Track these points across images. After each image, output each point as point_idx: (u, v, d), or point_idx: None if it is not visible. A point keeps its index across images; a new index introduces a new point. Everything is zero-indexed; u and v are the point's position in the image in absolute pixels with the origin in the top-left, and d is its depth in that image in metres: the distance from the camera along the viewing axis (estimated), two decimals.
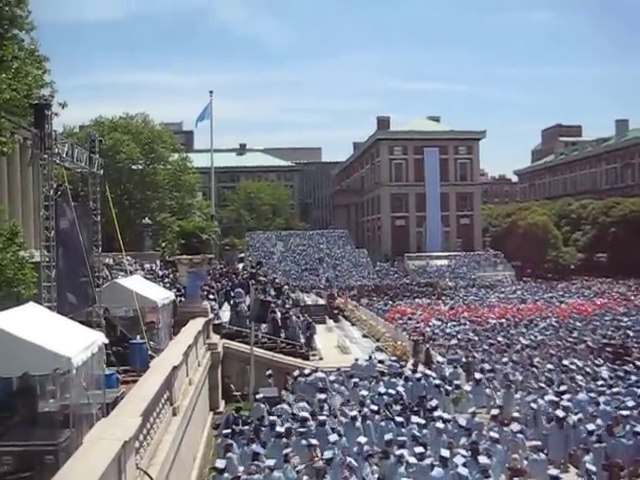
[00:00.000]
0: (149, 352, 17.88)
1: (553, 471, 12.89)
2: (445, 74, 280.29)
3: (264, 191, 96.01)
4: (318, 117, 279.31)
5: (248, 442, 14.79)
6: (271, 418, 16.63)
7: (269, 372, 22.50)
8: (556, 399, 18.18)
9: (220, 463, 13.33)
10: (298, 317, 30.31)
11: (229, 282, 36.85)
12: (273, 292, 35.33)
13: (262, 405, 18.66)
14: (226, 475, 13.05)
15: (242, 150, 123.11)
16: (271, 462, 13.01)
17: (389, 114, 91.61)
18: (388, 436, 14.79)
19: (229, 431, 15.73)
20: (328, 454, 13.30)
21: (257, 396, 19.34)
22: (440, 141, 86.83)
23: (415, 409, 17.98)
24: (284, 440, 14.74)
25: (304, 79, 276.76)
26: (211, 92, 51.57)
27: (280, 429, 15.20)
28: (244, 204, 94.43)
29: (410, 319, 40.75)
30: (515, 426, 16.14)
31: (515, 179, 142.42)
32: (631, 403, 17.47)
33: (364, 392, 19.15)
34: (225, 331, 26.83)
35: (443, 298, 55.30)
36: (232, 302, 30.14)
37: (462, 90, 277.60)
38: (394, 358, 26.63)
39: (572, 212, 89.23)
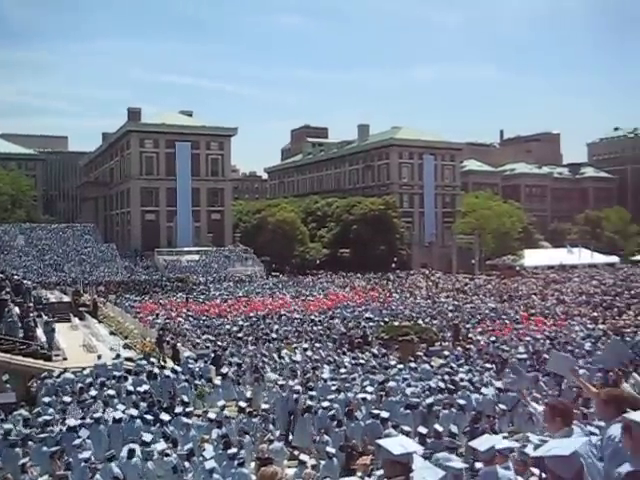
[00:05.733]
0: None
1: (303, 457, 13.40)
2: (198, 69, 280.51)
3: (2, 180, 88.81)
4: (64, 104, 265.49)
5: None
6: (5, 426, 15.39)
7: (5, 376, 20.87)
8: (302, 388, 18.92)
9: None
10: (39, 316, 28.53)
11: None
12: (11, 289, 32.86)
13: None
14: None
15: None
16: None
17: (140, 105, 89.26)
18: (136, 435, 14.40)
19: None
20: (69, 459, 12.66)
21: None
22: (192, 136, 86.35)
23: (164, 406, 17.71)
24: (20, 449, 13.74)
25: (49, 62, 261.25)
26: None
27: (14, 438, 14.12)
28: None
29: (159, 315, 40.20)
30: (265, 417, 16.55)
31: (265, 176, 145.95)
32: (370, 388, 18.68)
33: (111, 392, 18.47)
34: None
35: (194, 293, 55.25)
36: None
37: (215, 86, 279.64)
38: (142, 355, 26.04)
39: (318, 210, 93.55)
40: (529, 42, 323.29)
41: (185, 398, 17.89)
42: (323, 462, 13.46)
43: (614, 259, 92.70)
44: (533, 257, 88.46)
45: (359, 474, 10.42)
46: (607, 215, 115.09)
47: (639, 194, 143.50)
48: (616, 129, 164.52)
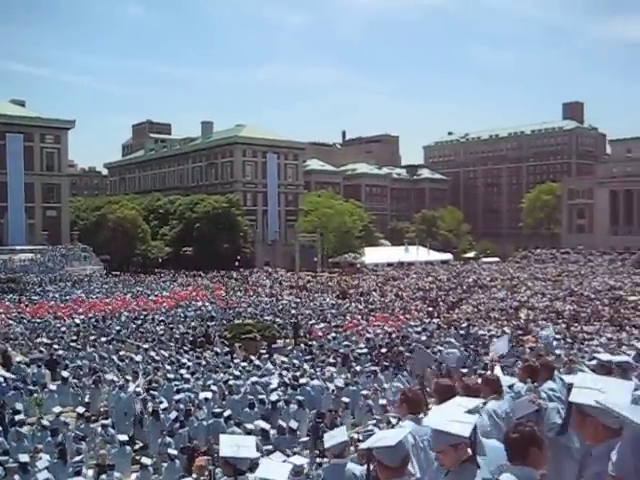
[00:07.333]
0: None
1: (145, 460, 13.15)
2: (32, 56, 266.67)
3: None
4: None
5: None
6: None
7: None
8: (143, 390, 18.48)
9: None
10: None
11: None
12: None
13: None
14: None
15: None
16: None
17: None
18: None
19: None
20: None
21: None
22: (25, 127, 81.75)
23: None
24: None
25: None
26: None
27: None
28: None
29: None
30: (104, 422, 16.01)
31: (105, 172, 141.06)
32: (213, 387, 18.56)
33: None
34: None
35: (28, 294, 52.43)
36: None
37: (51, 75, 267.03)
38: None
39: (160, 207, 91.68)
40: (368, 46, 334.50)
41: (17, 406, 16.89)
42: (165, 464, 13.25)
43: (448, 256, 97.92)
44: (373, 255, 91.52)
45: (194, 476, 10.39)
46: (442, 215, 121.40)
47: (470, 195, 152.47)
48: (450, 133, 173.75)
